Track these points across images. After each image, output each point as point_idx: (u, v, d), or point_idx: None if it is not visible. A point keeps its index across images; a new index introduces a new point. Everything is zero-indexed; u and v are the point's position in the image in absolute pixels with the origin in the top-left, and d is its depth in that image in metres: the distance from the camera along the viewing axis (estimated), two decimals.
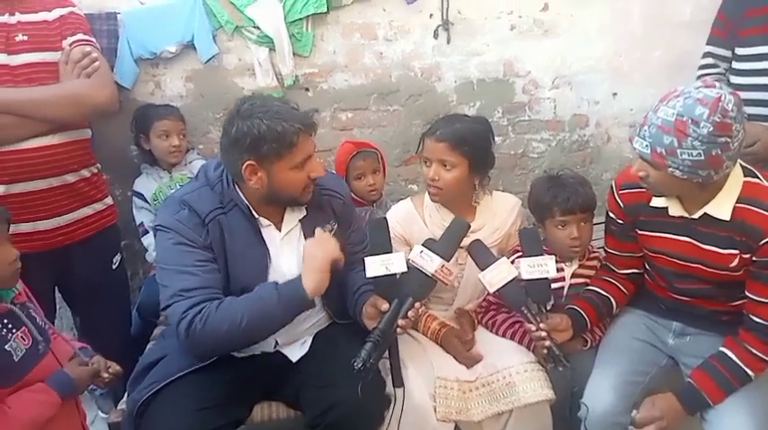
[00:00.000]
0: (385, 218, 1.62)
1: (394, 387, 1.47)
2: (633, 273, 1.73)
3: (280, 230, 1.60)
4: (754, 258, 1.42)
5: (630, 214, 1.60)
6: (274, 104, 1.46)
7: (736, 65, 2.17)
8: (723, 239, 1.45)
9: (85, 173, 1.94)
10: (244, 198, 1.54)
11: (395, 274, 1.46)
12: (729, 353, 1.48)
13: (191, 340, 1.39)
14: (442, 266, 1.44)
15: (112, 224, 2.08)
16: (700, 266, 1.51)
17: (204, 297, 1.41)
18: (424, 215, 1.85)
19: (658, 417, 1.46)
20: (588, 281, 1.81)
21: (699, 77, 2.23)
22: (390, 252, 1.49)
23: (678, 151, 1.31)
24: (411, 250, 1.49)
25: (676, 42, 2.47)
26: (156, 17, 2.39)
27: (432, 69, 2.60)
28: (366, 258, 1.47)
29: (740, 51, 2.14)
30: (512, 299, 1.51)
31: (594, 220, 1.81)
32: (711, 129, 1.28)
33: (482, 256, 1.53)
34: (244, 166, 1.45)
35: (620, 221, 1.65)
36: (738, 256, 1.44)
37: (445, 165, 1.73)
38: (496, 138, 1.94)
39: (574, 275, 1.82)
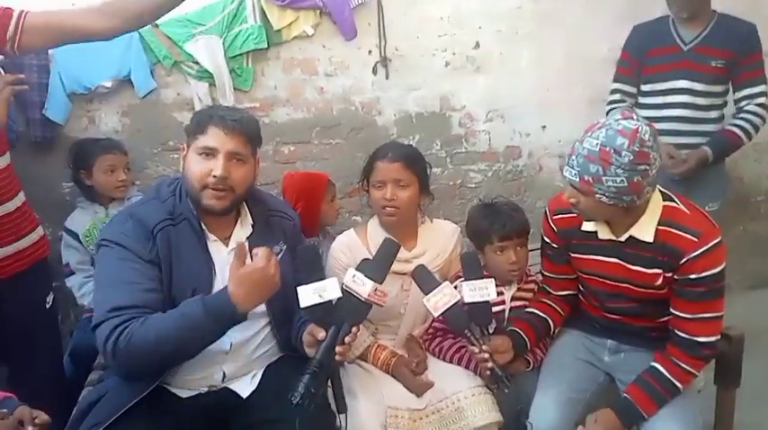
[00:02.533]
0: (315, 245, 1.61)
1: (338, 412, 1.45)
2: (569, 294, 1.81)
3: (227, 246, 1.57)
4: (675, 277, 1.52)
5: (564, 238, 1.69)
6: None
7: (642, 99, 2.39)
8: (648, 260, 1.55)
9: (16, 203, 1.84)
10: (194, 209, 1.53)
11: (330, 301, 1.42)
12: (660, 368, 1.57)
13: (117, 359, 1.35)
14: (375, 289, 1.43)
15: (45, 257, 1.98)
16: (628, 286, 1.61)
17: (133, 315, 1.36)
18: (369, 244, 1.88)
19: None
20: (527, 303, 1.88)
21: (608, 113, 2.41)
22: (323, 278, 1.46)
23: (603, 179, 1.41)
24: (345, 275, 1.48)
25: (596, 77, 2.66)
26: (89, 52, 2.33)
27: (372, 103, 2.68)
28: (298, 288, 1.42)
29: (645, 87, 2.37)
30: (455, 322, 1.55)
31: (530, 246, 1.89)
32: (632, 157, 1.38)
33: (426, 281, 1.57)
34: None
35: (555, 245, 1.74)
36: (662, 275, 1.54)
37: (401, 185, 1.79)
38: (435, 169, 2.02)
39: (513, 298, 1.89)
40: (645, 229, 1.52)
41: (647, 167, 1.40)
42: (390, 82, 2.66)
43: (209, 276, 1.51)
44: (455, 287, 1.59)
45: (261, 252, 1.38)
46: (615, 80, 2.45)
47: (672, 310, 1.57)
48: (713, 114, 2.32)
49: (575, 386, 1.68)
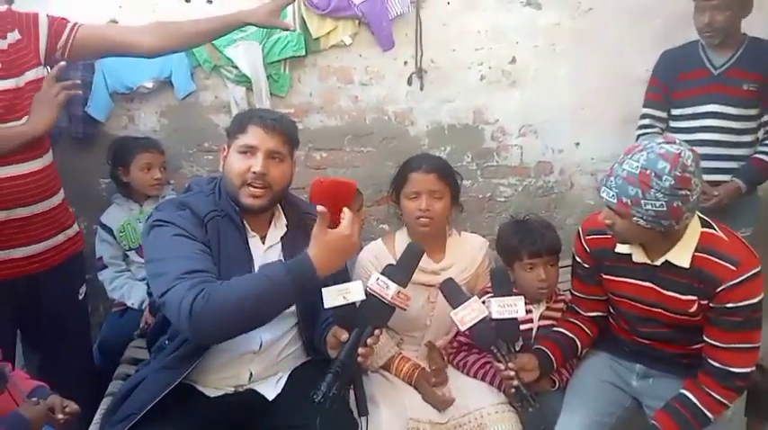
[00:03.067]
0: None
1: (359, 415, 1.46)
2: (598, 315, 1.79)
3: (263, 244, 1.61)
4: (711, 304, 1.50)
5: (596, 259, 1.67)
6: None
7: (673, 124, 2.37)
8: (683, 286, 1.52)
9: (58, 199, 1.90)
10: (236, 205, 1.56)
11: (353, 303, 1.44)
12: (690, 396, 1.54)
13: (193, 320, 1.29)
14: (399, 292, 1.43)
15: (80, 252, 2.03)
16: (661, 311, 1.58)
17: (206, 278, 1.36)
18: (396, 254, 1.89)
19: None
20: (555, 322, 1.86)
21: (638, 137, 2.40)
22: (348, 280, 1.49)
23: (642, 202, 1.39)
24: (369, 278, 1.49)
25: (631, 98, 2.63)
26: None
27: (405, 114, 2.69)
28: (323, 289, 1.44)
29: (676, 112, 2.34)
30: (482, 337, 1.54)
31: (560, 264, 1.88)
32: (673, 182, 1.36)
33: (454, 295, 1.57)
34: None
35: (587, 265, 1.72)
36: (697, 302, 1.51)
37: (436, 196, 1.81)
38: (465, 182, 2.02)
39: (542, 317, 1.87)
40: (681, 255, 1.50)
41: (688, 193, 1.39)
42: (424, 93, 2.67)
43: (249, 270, 1.52)
44: (483, 302, 1.59)
45: (347, 217, 1.40)
46: (645, 105, 2.44)
47: (706, 338, 1.54)
48: (747, 138, 2.28)
49: (600, 409, 1.66)
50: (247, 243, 1.58)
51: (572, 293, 1.83)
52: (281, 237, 1.63)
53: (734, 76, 2.22)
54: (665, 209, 1.39)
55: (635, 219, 1.43)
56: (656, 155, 1.38)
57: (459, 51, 2.66)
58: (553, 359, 1.72)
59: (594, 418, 1.63)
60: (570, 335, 1.78)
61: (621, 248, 1.59)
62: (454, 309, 1.54)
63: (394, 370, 1.81)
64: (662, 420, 1.54)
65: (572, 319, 1.81)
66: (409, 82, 2.65)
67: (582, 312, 1.80)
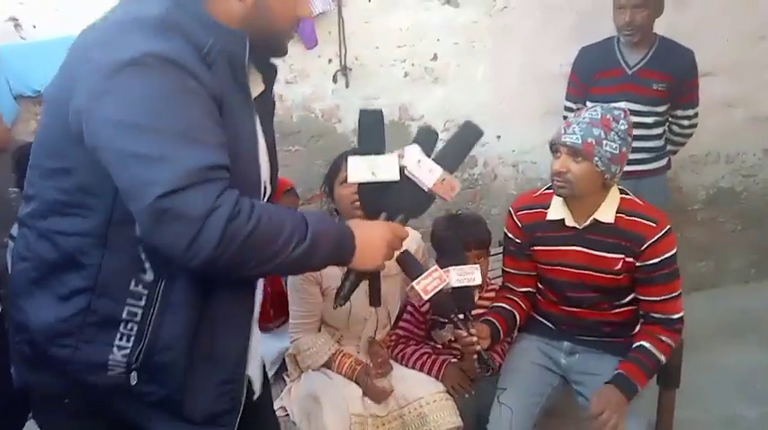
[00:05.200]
0: (380, 110, 1.28)
1: (371, 305, 1.37)
2: (529, 291, 1.89)
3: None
4: (637, 263, 1.65)
5: (528, 232, 1.77)
6: None
7: None
8: (609, 245, 1.66)
9: None
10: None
11: (383, 183, 1.19)
12: (646, 345, 1.69)
13: (221, 248, 0.91)
14: (443, 180, 1.18)
15: None
16: (589, 273, 1.70)
17: (230, 183, 0.96)
18: None
19: (609, 404, 1.62)
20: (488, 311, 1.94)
21: None
22: (381, 153, 1.21)
23: (604, 142, 1.56)
24: (405, 155, 1.22)
25: (549, 91, 2.77)
26: (38, 53, 2.27)
27: (332, 111, 2.70)
28: (349, 157, 1.19)
29: (590, 106, 2.49)
30: (442, 306, 1.51)
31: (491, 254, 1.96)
32: (626, 127, 1.59)
33: (412, 266, 1.50)
34: None
35: (519, 241, 1.81)
36: (623, 260, 1.66)
37: None
38: None
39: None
40: (607, 212, 1.65)
41: (630, 143, 1.61)
42: (350, 91, 2.68)
43: (255, 132, 1.12)
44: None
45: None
46: (567, 98, 2.58)
47: (642, 297, 1.71)
48: (657, 131, 2.47)
49: (533, 390, 1.76)
50: (251, 104, 1.11)
51: (504, 271, 1.91)
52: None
53: (645, 76, 2.37)
54: (617, 152, 1.57)
55: (595, 159, 1.56)
56: (609, 107, 1.61)
57: (383, 49, 2.69)
58: (500, 329, 1.78)
59: (528, 400, 1.73)
60: (509, 308, 1.85)
61: (553, 215, 1.71)
62: (414, 279, 1.45)
63: (336, 367, 1.82)
64: (626, 368, 1.68)
65: (507, 295, 1.88)
66: (334, 79, 2.66)
67: (515, 288, 1.88)
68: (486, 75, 2.85)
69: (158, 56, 0.92)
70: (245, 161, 1.06)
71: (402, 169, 1.19)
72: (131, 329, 1.04)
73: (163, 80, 0.93)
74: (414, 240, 2.01)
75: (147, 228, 0.93)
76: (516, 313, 1.86)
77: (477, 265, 1.59)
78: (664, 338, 1.69)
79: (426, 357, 1.83)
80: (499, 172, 2.99)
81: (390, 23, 2.68)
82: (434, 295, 1.46)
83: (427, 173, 1.19)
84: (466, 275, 1.55)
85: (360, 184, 1.21)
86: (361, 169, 1.18)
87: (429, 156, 1.22)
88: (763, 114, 3.26)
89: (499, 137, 2.93)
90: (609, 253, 1.67)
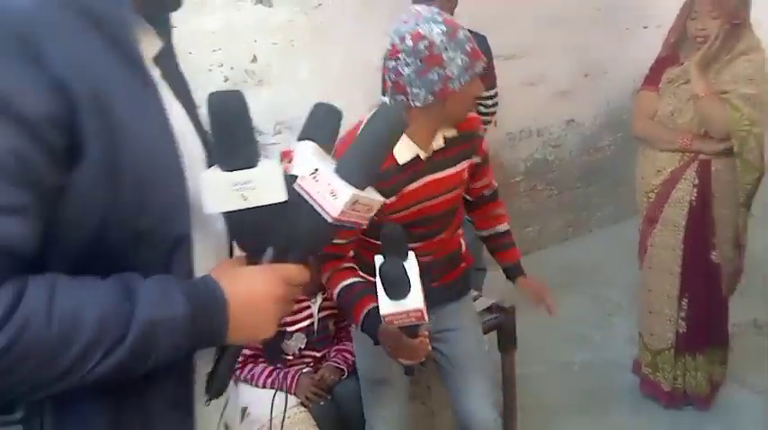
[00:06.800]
0: (239, 91, 0.78)
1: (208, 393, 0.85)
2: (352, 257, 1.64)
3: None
4: (475, 161, 1.59)
5: (385, 182, 1.48)
6: None
7: None
8: (454, 157, 1.52)
9: None
10: None
11: (262, 207, 0.75)
12: (499, 226, 1.76)
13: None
14: (355, 202, 0.77)
15: None
16: (446, 197, 1.54)
17: (11, 262, 0.63)
18: None
19: (540, 287, 1.71)
20: (334, 311, 1.94)
21: None
22: (253, 166, 0.75)
23: (447, 71, 1.35)
24: (294, 157, 0.85)
25: (371, 85, 2.83)
26: None
27: None
28: (205, 174, 0.76)
29: None
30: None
31: None
32: (412, 45, 1.34)
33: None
34: None
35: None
36: (467, 165, 1.56)
37: None
38: None
39: (321, 309, 1.94)
40: (449, 130, 1.51)
41: (425, 62, 1.40)
42: None
43: (169, 136, 0.73)
44: None
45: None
46: (383, 93, 2.65)
47: (476, 185, 1.67)
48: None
49: (397, 382, 1.65)
50: (149, 83, 0.72)
51: (334, 245, 1.51)
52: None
53: None
54: (413, 75, 1.37)
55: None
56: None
57: (196, 54, 2.55)
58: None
59: (403, 383, 1.65)
60: (364, 277, 1.57)
61: (404, 157, 1.46)
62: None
63: None
64: (510, 254, 1.75)
65: (347, 265, 1.53)
66: None
67: (346, 254, 1.55)
68: (309, 73, 2.84)
69: None
70: (160, 170, 0.71)
71: (289, 181, 0.77)
72: None
73: None
74: None
75: None
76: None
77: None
78: (501, 211, 1.77)
79: (276, 372, 1.80)
80: None
81: (200, 26, 2.55)
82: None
83: (328, 196, 0.76)
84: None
85: (226, 214, 0.78)
86: (224, 193, 0.74)
87: (330, 154, 0.86)
88: (561, 89, 3.67)
89: None
90: (456, 165, 1.54)
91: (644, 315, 2.36)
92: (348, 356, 1.91)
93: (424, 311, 1.10)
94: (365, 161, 0.80)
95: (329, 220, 0.77)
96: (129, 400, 0.72)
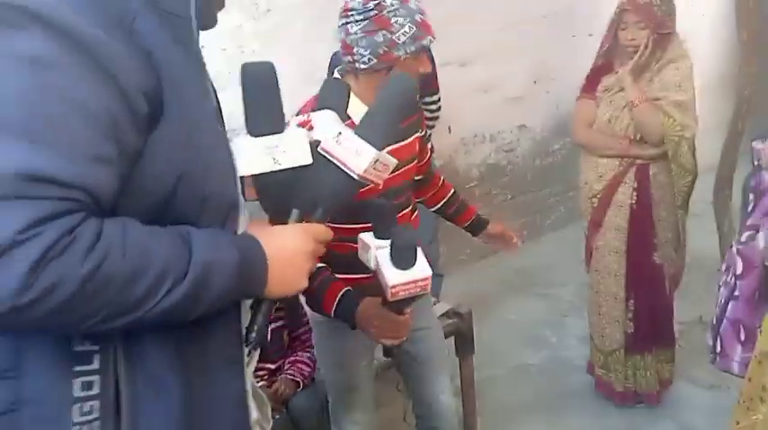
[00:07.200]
0: (270, 62, 0.91)
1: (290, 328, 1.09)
2: None
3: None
4: (419, 134, 1.55)
5: None
6: None
7: None
8: (405, 130, 1.48)
9: None
10: None
11: (288, 170, 0.86)
12: (449, 193, 1.76)
13: (44, 293, 0.62)
14: (376, 161, 0.89)
15: None
16: (405, 168, 1.50)
17: (81, 205, 0.66)
18: None
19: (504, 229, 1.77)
20: (285, 322, 1.90)
21: None
22: (281, 131, 0.87)
23: (394, 36, 1.33)
24: (315, 126, 0.95)
25: None
26: None
27: None
28: (236, 139, 0.86)
29: None
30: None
31: None
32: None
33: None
34: None
35: None
36: (416, 138, 1.54)
37: None
38: None
39: (273, 319, 1.90)
40: None
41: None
42: None
43: (219, 124, 0.86)
44: None
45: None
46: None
47: (421, 162, 1.61)
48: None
49: (369, 388, 1.65)
50: (207, 78, 0.83)
51: None
52: None
53: None
54: (356, 35, 1.38)
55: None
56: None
57: None
58: None
59: (372, 387, 1.63)
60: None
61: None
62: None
63: None
64: (464, 215, 1.76)
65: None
66: None
67: None
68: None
69: (30, 12, 0.65)
70: (208, 169, 0.77)
71: (313, 145, 0.88)
72: (91, 411, 0.71)
73: (21, 44, 0.64)
74: None
75: None
76: None
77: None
78: (447, 183, 1.78)
79: None
80: None
81: None
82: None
83: (354, 154, 0.87)
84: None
85: (255, 177, 0.85)
86: (256, 156, 0.84)
87: (344, 122, 0.95)
88: (512, 95, 3.73)
89: None
90: (409, 137, 1.50)
91: (594, 317, 2.41)
92: (303, 367, 1.88)
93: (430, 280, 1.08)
94: (382, 124, 0.91)
95: (355, 177, 0.88)
96: (194, 360, 0.78)
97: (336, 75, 1.45)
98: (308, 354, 1.93)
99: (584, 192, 2.34)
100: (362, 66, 1.35)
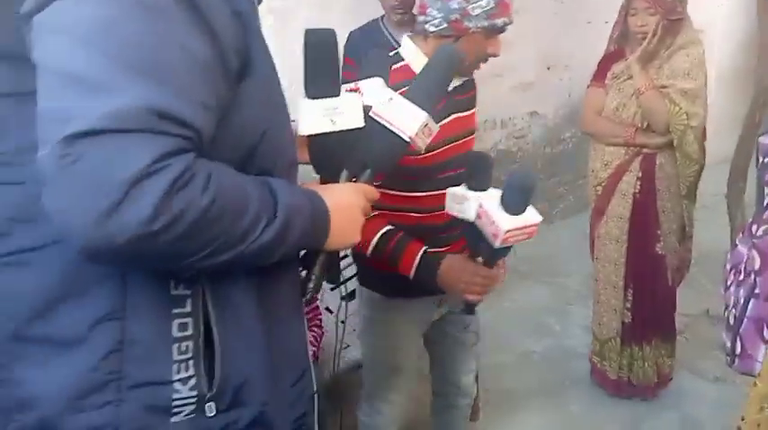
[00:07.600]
0: (332, 30, 0.96)
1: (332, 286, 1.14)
2: None
3: None
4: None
5: None
6: None
7: None
8: (466, 101, 1.47)
9: None
10: None
11: (344, 131, 0.93)
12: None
13: (170, 223, 0.65)
14: (425, 125, 0.94)
15: None
16: (467, 139, 1.47)
17: (193, 144, 0.69)
18: None
19: None
20: None
21: None
22: (338, 95, 0.93)
23: (469, 7, 1.30)
24: (363, 93, 1.01)
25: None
26: None
27: None
28: (302, 101, 0.92)
29: None
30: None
31: None
32: None
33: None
34: None
35: None
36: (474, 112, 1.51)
37: None
38: None
39: None
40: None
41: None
42: None
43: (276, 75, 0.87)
44: None
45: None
46: (343, 83, 2.60)
47: None
48: None
49: (414, 368, 1.64)
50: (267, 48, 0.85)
51: None
52: None
53: None
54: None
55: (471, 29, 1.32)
56: None
57: None
58: None
59: (416, 366, 1.64)
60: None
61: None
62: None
63: None
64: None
65: (375, 214, 1.33)
66: None
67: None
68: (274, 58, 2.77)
69: None
70: (280, 127, 0.83)
71: (365, 110, 0.93)
72: (186, 350, 0.76)
73: None
74: None
75: (47, 184, 0.63)
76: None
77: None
78: None
79: None
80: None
81: None
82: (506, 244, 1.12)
83: (407, 116, 0.92)
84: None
85: (312, 138, 0.91)
86: (316, 117, 0.90)
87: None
88: (525, 81, 3.69)
89: (293, 121, 2.90)
90: (471, 109, 1.46)
91: (595, 305, 2.40)
92: (312, 341, 1.88)
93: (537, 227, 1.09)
94: (431, 90, 0.96)
95: (406, 139, 0.93)
96: (269, 305, 0.84)
97: (407, 36, 1.42)
98: (314, 334, 1.94)
99: (591, 179, 2.33)
100: (432, 28, 1.32)
